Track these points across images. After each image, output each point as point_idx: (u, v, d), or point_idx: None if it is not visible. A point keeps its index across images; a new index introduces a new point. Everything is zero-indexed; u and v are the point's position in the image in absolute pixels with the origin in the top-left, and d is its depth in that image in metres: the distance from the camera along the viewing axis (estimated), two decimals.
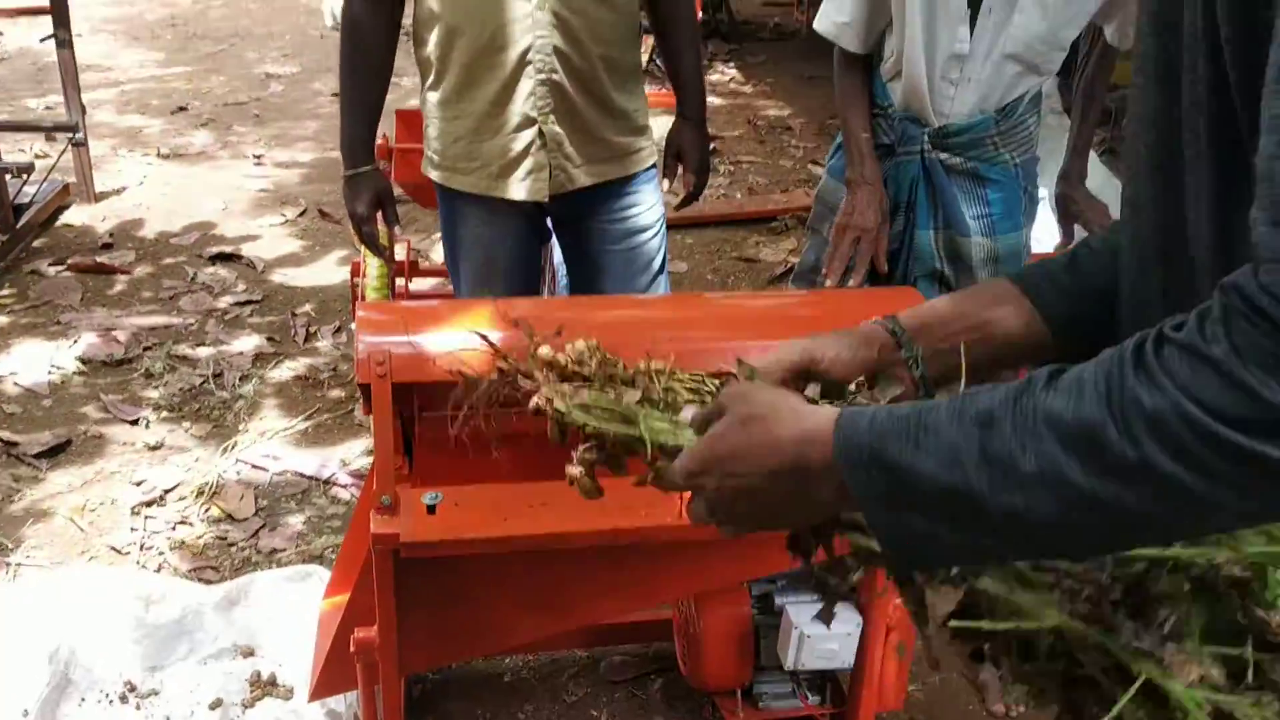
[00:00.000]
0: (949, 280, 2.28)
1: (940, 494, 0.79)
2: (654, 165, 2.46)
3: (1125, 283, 1.02)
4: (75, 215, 5.00)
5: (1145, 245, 0.97)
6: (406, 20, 2.37)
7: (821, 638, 2.03)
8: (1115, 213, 2.68)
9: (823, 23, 2.30)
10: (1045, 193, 2.68)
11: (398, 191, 2.94)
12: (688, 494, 1.00)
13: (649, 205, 2.43)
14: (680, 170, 2.54)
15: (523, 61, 2.20)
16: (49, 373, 3.63)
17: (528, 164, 2.28)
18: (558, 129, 2.26)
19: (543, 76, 2.21)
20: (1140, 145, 0.96)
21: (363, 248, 3.24)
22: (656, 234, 2.45)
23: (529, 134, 2.26)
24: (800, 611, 2.07)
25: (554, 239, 2.59)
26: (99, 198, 5.17)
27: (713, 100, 7.09)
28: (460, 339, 1.94)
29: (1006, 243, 2.26)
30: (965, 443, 0.78)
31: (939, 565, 0.89)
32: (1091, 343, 1.03)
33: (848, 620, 2.06)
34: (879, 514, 0.83)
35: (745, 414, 0.93)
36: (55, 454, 3.20)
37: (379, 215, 2.45)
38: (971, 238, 2.23)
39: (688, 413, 1.03)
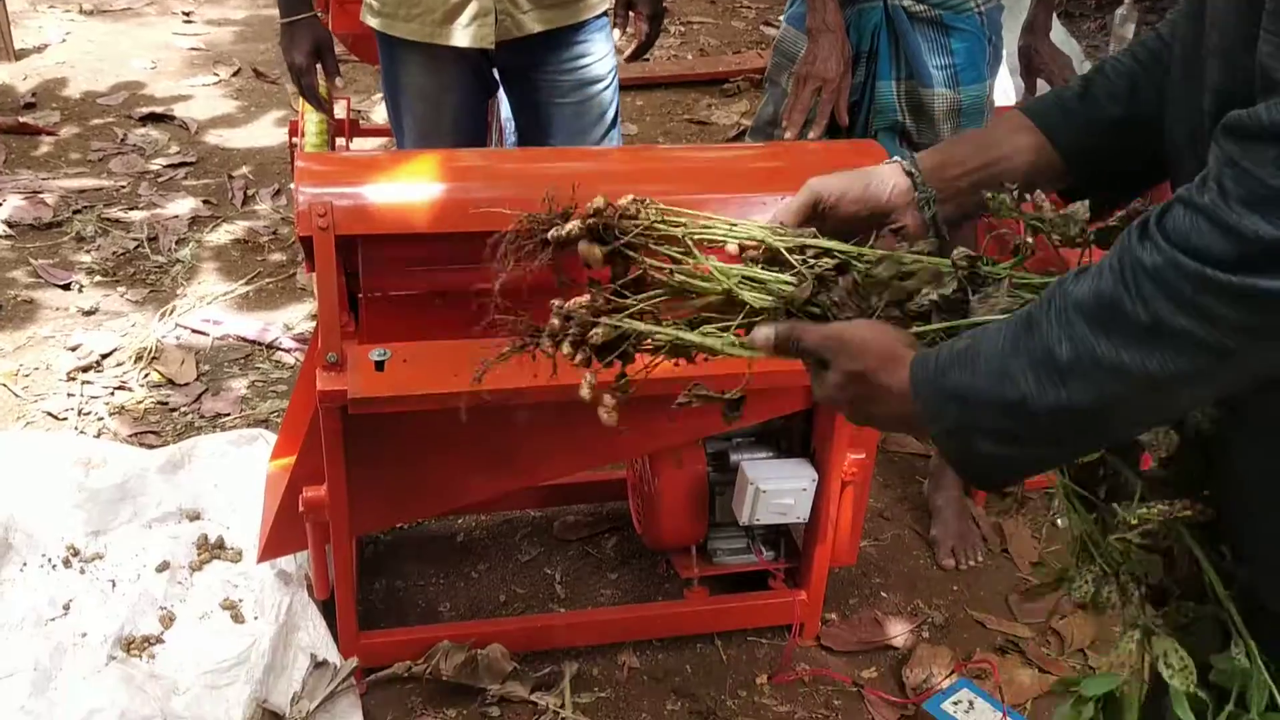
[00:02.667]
0: (910, 133, 2.22)
1: (996, 411, 0.84)
2: (605, 14, 2.35)
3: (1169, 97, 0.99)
4: None
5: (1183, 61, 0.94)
6: None
7: (777, 493, 2.02)
8: (1079, 68, 2.63)
9: None
10: (1006, 46, 2.61)
11: (336, 45, 2.80)
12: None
13: (601, 55, 2.33)
14: (631, 19, 2.44)
15: None
16: None
17: (472, 9, 2.17)
18: None
19: None
20: None
21: (301, 104, 3.11)
22: (609, 85, 2.36)
23: None
24: (756, 467, 2.06)
25: (501, 92, 2.49)
26: (18, 56, 4.92)
27: None
28: (405, 190, 1.88)
29: (970, 94, 2.20)
30: (1012, 353, 0.83)
31: (1007, 480, 0.91)
32: (1107, 172, 1.03)
33: (803, 475, 2.06)
34: (950, 444, 0.89)
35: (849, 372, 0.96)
36: None
37: (318, 66, 2.33)
38: (934, 89, 2.17)
39: (763, 331, 1.01)
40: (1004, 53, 2.42)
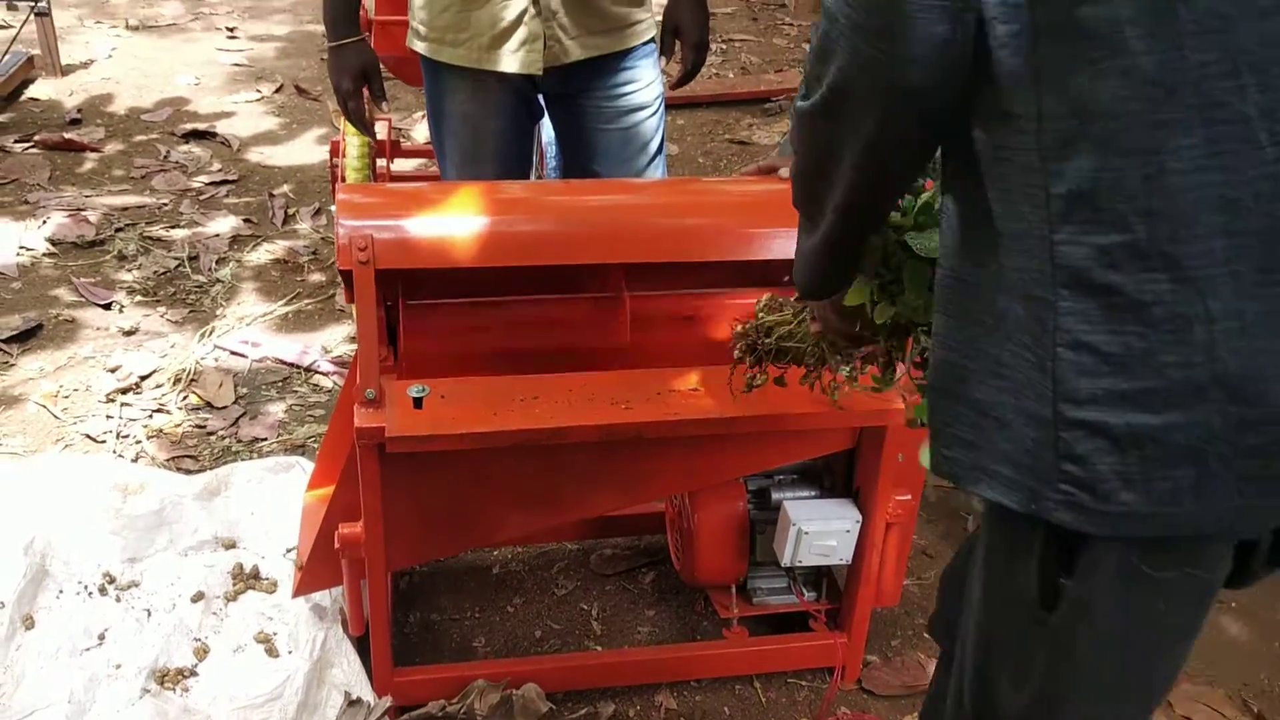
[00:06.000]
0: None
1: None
2: (652, 40, 2.32)
3: None
4: (41, 89, 4.80)
5: None
6: None
7: (820, 534, 1.97)
8: None
9: None
10: None
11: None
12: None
13: (647, 82, 2.30)
14: (678, 47, 2.41)
15: None
16: (17, 254, 3.50)
17: (520, 34, 2.14)
18: None
19: None
20: None
21: (343, 125, 3.10)
22: (655, 112, 2.33)
23: (522, 2, 2.11)
24: (799, 508, 2.01)
25: (545, 118, 2.46)
26: (65, 71, 4.96)
27: None
28: (447, 224, 1.85)
29: None
30: None
31: (821, 280, 1.32)
32: None
33: (846, 516, 2.01)
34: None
35: None
36: (26, 339, 3.09)
37: (365, 90, 2.31)
38: None
39: None
40: None
